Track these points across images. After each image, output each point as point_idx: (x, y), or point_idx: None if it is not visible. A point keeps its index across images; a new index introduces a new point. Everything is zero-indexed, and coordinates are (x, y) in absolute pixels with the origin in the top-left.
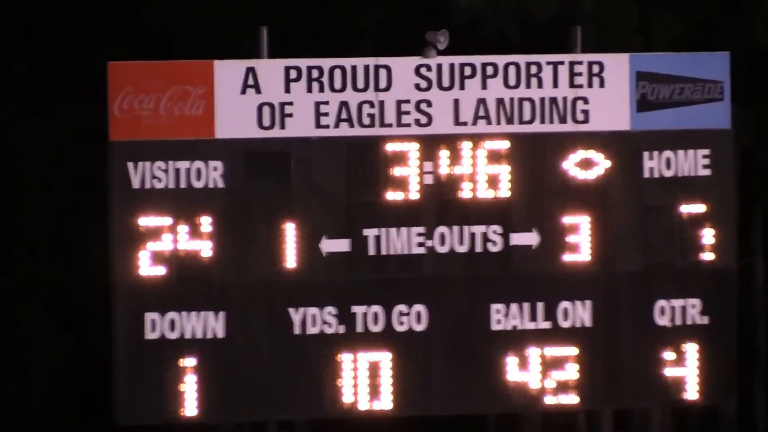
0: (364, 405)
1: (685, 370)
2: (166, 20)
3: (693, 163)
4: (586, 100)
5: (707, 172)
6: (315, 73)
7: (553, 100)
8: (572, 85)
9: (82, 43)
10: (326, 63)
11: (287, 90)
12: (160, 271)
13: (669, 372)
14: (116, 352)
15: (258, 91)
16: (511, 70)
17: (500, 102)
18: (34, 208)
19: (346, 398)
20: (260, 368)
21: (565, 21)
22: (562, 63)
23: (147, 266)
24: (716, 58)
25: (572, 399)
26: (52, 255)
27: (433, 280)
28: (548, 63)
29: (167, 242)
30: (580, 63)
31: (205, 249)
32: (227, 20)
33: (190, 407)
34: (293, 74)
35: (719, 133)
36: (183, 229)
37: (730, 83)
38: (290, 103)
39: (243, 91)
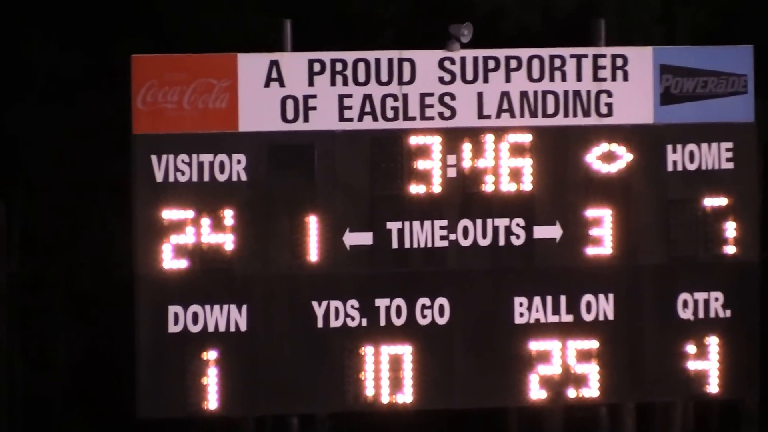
0: (386, 398)
1: (708, 363)
2: (190, 13)
3: (716, 156)
4: (609, 94)
5: (730, 165)
6: (339, 66)
7: (577, 93)
8: (596, 78)
9: (102, 35)
10: (350, 56)
11: (311, 83)
12: (183, 264)
13: (691, 365)
14: (139, 345)
15: (282, 85)
16: (535, 63)
17: (524, 95)
18: (55, 201)
19: (369, 391)
20: (282, 361)
21: (588, 11)
22: (585, 56)
23: (170, 259)
24: (740, 51)
25: (594, 392)
26: (74, 248)
27: (456, 273)
28: (572, 56)
29: (190, 235)
30: (604, 56)
31: (228, 242)
32: (251, 13)
33: (212, 401)
34: (317, 67)
35: (742, 126)
36: (206, 222)
37: (755, 76)
38: (314, 97)
39: (267, 84)
